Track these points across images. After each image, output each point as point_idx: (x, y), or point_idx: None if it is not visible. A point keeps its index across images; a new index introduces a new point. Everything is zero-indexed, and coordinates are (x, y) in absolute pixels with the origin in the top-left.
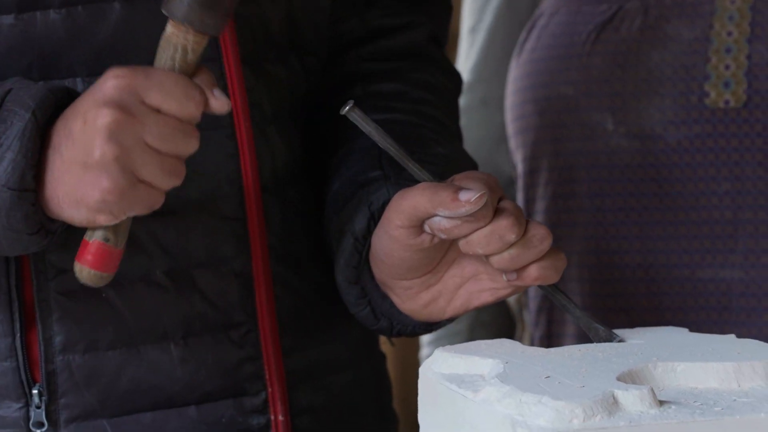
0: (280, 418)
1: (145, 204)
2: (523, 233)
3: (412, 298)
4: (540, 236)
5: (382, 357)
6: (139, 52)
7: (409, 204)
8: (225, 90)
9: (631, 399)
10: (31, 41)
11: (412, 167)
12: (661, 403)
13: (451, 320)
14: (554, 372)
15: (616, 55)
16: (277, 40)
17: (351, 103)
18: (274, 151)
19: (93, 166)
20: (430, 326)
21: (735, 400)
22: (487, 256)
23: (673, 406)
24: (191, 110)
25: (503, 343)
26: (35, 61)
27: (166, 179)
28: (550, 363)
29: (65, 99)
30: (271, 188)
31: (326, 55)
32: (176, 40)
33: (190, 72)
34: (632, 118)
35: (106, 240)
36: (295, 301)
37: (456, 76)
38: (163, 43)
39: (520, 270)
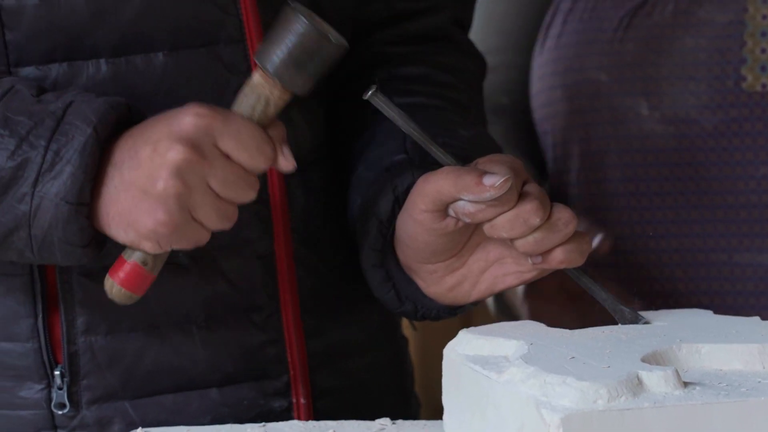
0: (302, 401)
1: (191, 241)
2: (548, 217)
3: (436, 282)
4: (565, 220)
5: (404, 340)
6: (162, 34)
7: (433, 188)
8: (248, 70)
9: (655, 380)
10: (55, 23)
11: (436, 151)
12: (686, 384)
13: (475, 304)
14: (579, 353)
15: (649, 40)
16: None
17: (374, 87)
18: (298, 134)
19: (153, 196)
20: (454, 310)
21: (760, 381)
22: (511, 240)
23: (697, 388)
24: (260, 164)
25: (527, 325)
26: (60, 42)
27: (218, 222)
28: (574, 344)
29: (125, 114)
30: (294, 170)
31: (350, 39)
32: (261, 90)
33: (266, 124)
34: (667, 102)
35: (144, 264)
36: (317, 283)
37: (480, 60)
38: (247, 89)
39: (545, 253)
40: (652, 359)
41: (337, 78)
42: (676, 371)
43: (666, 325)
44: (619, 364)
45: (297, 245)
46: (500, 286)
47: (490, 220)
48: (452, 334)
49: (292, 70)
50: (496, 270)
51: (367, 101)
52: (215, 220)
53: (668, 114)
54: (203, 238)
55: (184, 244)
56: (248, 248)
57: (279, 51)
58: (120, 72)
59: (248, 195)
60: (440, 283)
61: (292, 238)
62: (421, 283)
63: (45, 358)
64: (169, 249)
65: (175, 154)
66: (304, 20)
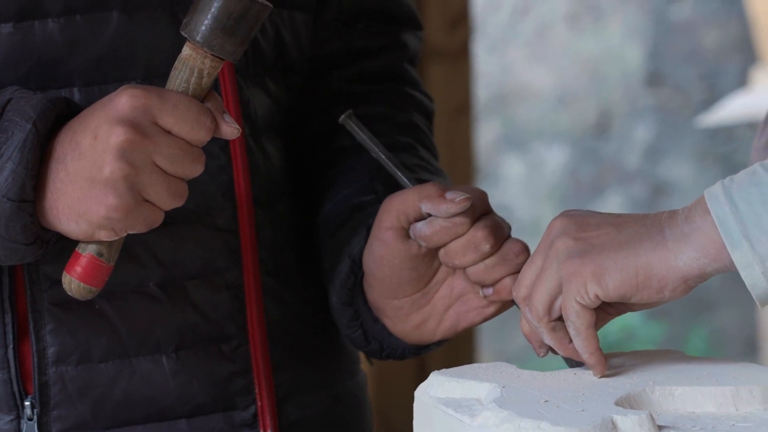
0: None
1: (146, 223)
2: (500, 247)
3: (403, 320)
4: (516, 250)
5: (364, 375)
6: (137, 62)
7: (397, 201)
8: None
9: (630, 424)
10: (29, 50)
11: (402, 178)
12: (660, 428)
13: (440, 343)
14: (552, 396)
15: None
16: (266, 57)
17: (349, 111)
18: (266, 165)
19: (100, 183)
20: (418, 350)
21: (734, 425)
22: (464, 269)
23: (671, 431)
24: (201, 135)
25: (499, 367)
26: (33, 69)
27: (169, 200)
28: (547, 387)
29: (65, 110)
30: (262, 201)
31: (307, 73)
32: (193, 63)
33: (201, 96)
34: None
35: (100, 255)
36: (284, 314)
37: (429, 99)
38: (178, 64)
39: (496, 284)
40: (626, 402)
41: (297, 115)
42: (651, 415)
43: (638, 366)
44: (593, 407)
45: (265, 276)
46: (463, 323)
47: (444, 244)
48: (405, 368)
49: (221, 37)
50: (459, 307)
51: (331, 137)
52: (166, 198)
53: None
54: (157, 219)
55: (138, 227)
56: (218, 278)
57: (205, 20)
58: (93, 100)
59: (196, 169)
60: (406, 320)
61: (260, 269)
62: (388, 322)
63: (15, 388)
64: (124, 234)
65: (116, 137)
66: None
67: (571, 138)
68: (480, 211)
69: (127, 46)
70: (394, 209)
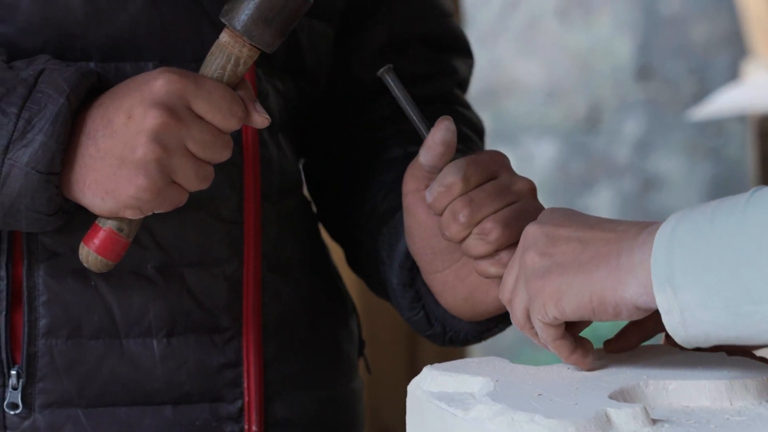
0: (254, 428)
1: (172, 204)
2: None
3: (451, 294)
4: (487, 229)
5: (361, 383)
6: (154, 44)
7: (408, 167)
8: None
9: (624, 417)
10: (49, 20)
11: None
12: (654, 421)
13: (502, 326)
14: (545, 390)
15: None
16: (277, 56)
17: (389, 66)
18: (280, 159)
19: (132, 163)
20: (481, 334)
21: (728, 418)
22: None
23: (666, 425)
24: (233, 123)
25: (492, 361)
26: (52, 39)
27: (196, 183)
28: (540, 381)
29: (96, 84)
30: (270, 196)
31: (324, 84)
32: (231, 50)
33: (235, 83)
34: None
35: (120, 230)
36: (281, 310)
37: (480, 121)
38: (215, 50)
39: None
40: (620, 396)
41: (339, 140)
42: (645, 409)
43: (632, 361)
44: (586, 401)
45: (266, 271)
46: None
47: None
48: (397, 366)
49: (261, 27)
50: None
51: (378, 152)
52: (194, 181)
53: None
54: (182, 200)
55: (164, 207)
56: (217, 268)
57: (246, 8)
58: (109, 77)
59: (224, 154)
60: (454, 294)
61: (262, 263)
62: (440, 300)
63: (3, 356)
64: (149, 213)
65: (152, 119)
66: None
67: (560, 132)
68: (483, 174)
69: (146, 27)
70: (407, 176)
